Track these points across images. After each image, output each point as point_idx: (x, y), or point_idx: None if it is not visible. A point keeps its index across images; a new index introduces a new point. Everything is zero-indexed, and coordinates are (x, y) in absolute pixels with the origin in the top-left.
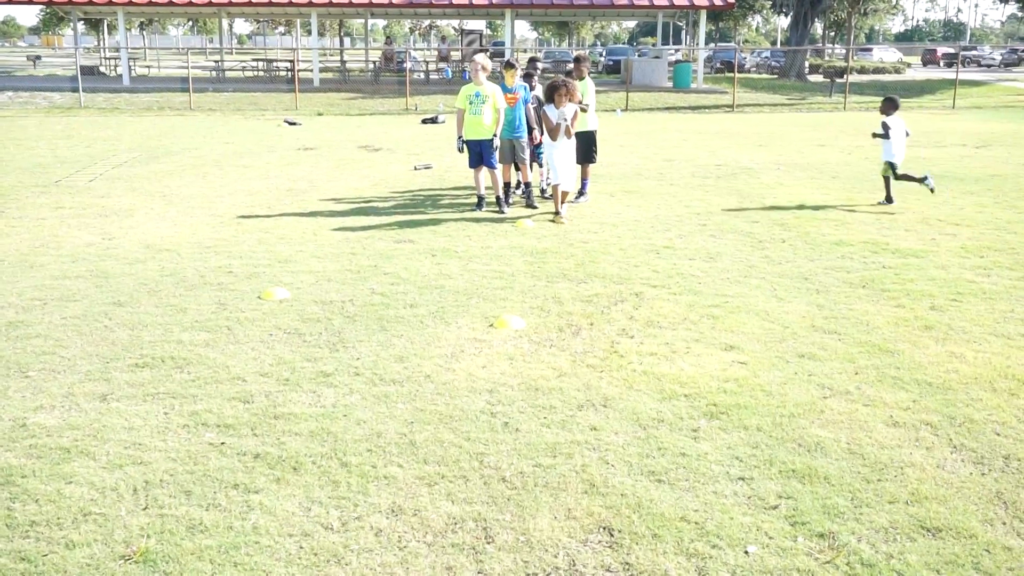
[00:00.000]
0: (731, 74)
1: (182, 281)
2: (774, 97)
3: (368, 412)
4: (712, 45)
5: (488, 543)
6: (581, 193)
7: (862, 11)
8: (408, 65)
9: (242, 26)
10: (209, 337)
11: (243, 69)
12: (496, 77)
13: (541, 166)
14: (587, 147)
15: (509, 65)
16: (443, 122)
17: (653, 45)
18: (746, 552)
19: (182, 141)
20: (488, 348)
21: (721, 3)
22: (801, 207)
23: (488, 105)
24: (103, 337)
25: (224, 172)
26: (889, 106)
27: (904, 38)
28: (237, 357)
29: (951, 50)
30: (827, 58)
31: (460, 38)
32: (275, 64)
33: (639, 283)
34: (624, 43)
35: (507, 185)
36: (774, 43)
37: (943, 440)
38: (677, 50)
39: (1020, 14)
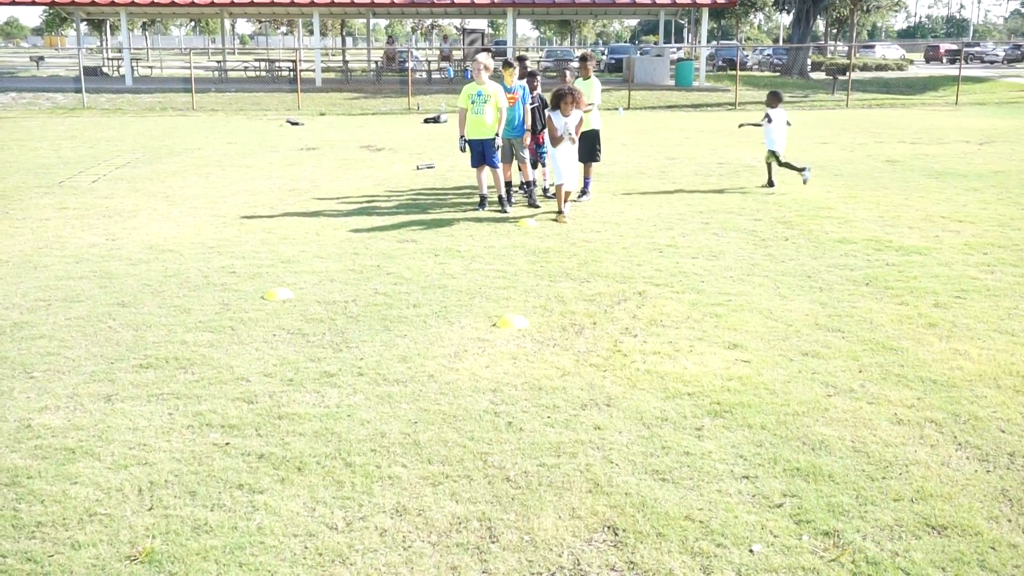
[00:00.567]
0: (733, 72)
1: (186, 282)
2: None
3: (372, 412)
4: (714, 43)
5: (492, 543)
6: (584, 192)
7: (864, 8)
8: (410, 65)
9: (244, 26)
10: (213, 337)
11: (245, 69)
12: (497, 76)
13: (544, 166)
14: (591, 146)
15: (507, 64)
16: (445, 122)
17: (655, 43)
18: (751, 551)
19: (185, 141)
20: (491, 348)
21: (723, 1)
22: (804, 205)
23: (490, 104)
24: (107, 338)
25: (227, 172)
26: (773, 100)
27: (907, 35)
28: (241, 357)
29: (954, 47)
30: (829, 55)
31: (462, 37)
32: (277, 64)
33: (642, 282)
34: (626, 41)
35: (509, 184)
36: (776, 41)
37: (948, 437)
38: (679, 48)
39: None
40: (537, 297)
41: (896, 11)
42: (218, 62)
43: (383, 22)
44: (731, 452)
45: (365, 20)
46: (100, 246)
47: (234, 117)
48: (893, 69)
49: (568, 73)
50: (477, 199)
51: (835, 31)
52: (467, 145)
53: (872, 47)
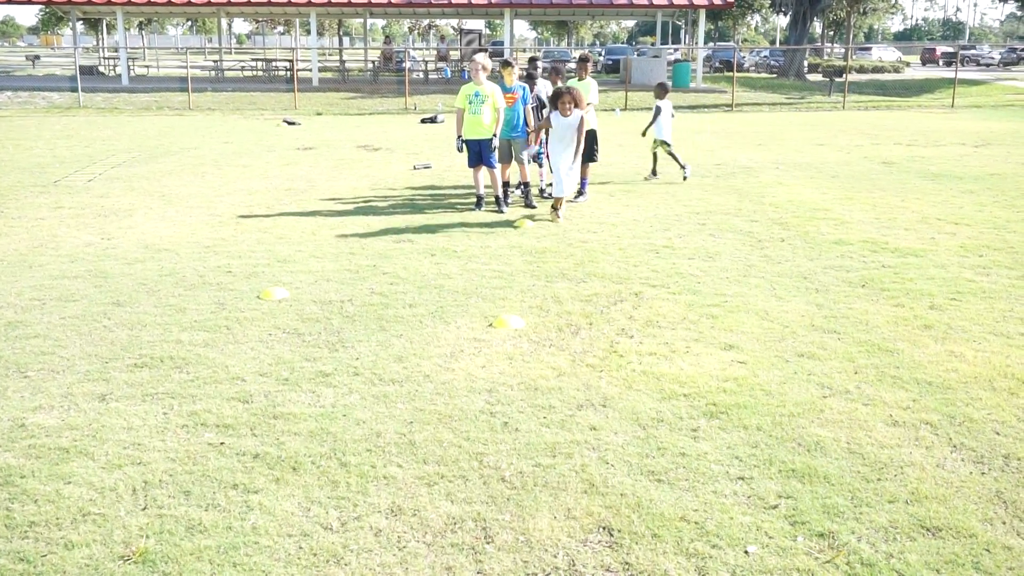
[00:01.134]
0: (730, 73)
1: (181, 281)
2: (773, 96)
3: (367, 412)
4: (711, 44)
5: (488, 543)
6: (580, 193)
7: (861, 10)
8: (407, 65)
9: (241, 26)
10: (208, 337)
11: (242, 69)
12: (495, 76)
13: (541, 166)
14: (588, 146)
15: (507, 64)
16: (442, 122)
17: (652, 44)
18: (746, 552)
19: (181, 141)
20: (487, 348)
21: (720, 2)
22: (800, 206)
23: (488, 105)
24: (102, 337)
25: (223, 172)
26: (661, 91)
27: (903, 37)
28: (236, 357)
29: (950, 49)
30: (826, 57)
31: (459, 38)
32: (274, 64)
33: (638, 283)
34: (623, 42)
35: (506, 184)
36: (773, 42)
37: (943, 439)
38: (676, 49)
39: (1019, 13)
40: (533, 297)
41: (892, 13)
42: (215, 62)
43: (380, 22)
44: (727, 453)
45: (362, 20)
46: (95, 245)
47: (230, 117)
48: (889, 71)
49: (559, 70)
50: (474, 199)
51: (832, 33)
52: (464, 145)
53: (868, 49)
